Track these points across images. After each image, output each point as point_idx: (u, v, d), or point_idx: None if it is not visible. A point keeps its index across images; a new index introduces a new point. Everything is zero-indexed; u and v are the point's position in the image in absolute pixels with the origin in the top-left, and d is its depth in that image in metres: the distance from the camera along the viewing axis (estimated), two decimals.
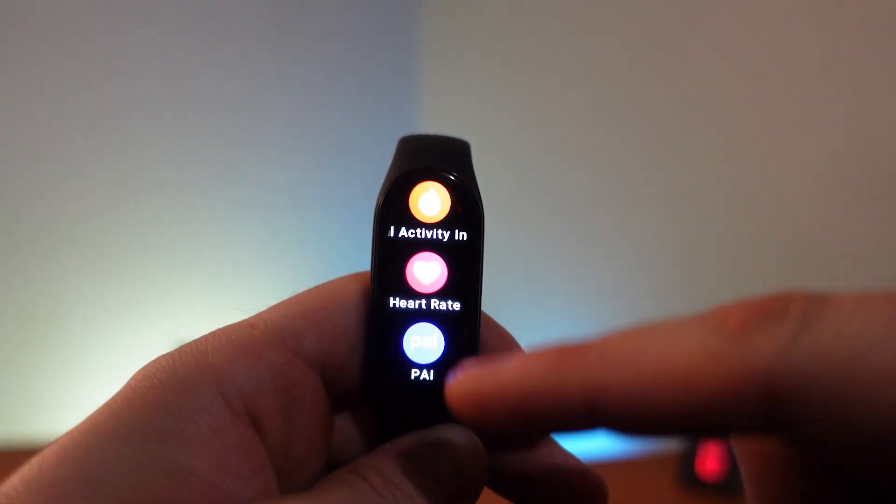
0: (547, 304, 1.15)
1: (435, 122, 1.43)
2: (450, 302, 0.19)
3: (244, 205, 1.30)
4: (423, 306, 0.19)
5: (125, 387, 0.17)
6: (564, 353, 0.14)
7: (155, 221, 1.22)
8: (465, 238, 0.19)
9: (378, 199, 0.19)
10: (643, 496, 0.76)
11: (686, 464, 0.79)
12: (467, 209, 0.19)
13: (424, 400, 0.19)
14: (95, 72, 1.19)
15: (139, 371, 0.18)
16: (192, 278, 1.24)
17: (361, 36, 1.40)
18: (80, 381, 1.14)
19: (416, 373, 0.19)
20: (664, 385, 0.13)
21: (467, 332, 0.19)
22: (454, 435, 0.19)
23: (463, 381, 0.15)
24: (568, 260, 1.14)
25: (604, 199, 1.10)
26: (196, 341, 0.18)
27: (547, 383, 0.14)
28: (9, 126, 1.15)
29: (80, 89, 1.18)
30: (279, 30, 1.32)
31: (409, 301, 0.19)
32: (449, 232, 0.19)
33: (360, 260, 1.42)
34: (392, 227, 0.19)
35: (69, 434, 0.16)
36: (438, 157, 0.20)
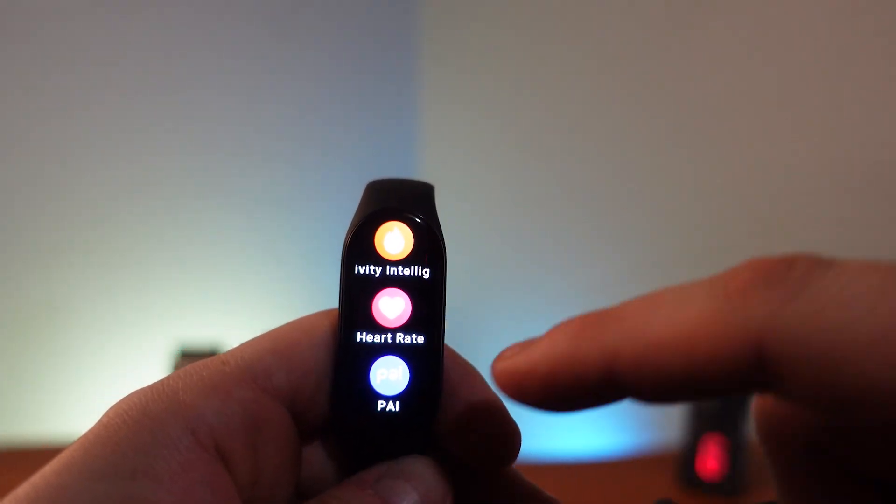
0: (544, 310, 1.15)
1: (434, 129, 1.43)
2: (414, 336, 0.20)
3: (246, 209, 1.30)
4: (389, 340, 0.20)
5: (97, 424, 0.18)
6: (585, 323, 0.15)
7: (157, 224, 1.23)
8: (428, 275, 0.20)
9: (346, 239, 0.20)
10: (643, 496, 0.76)
11: (686, 464, 0.79)
12: (430, 248, 0.20)
13: (391, 431, 0.20)
14: (97, 73, 1.19)
15: (111, 408, 0.18)
16: (195, 281, 1.24)
17: (361, 43, 1.40)
18: (80, 382, 1.15)
19: (382, 404, 0.20)
20: (668, 349, 0.14)
21: (432, 365, 0.20)
22: (421, 467, 0.20)
23: (502, 362, 0.16)
24: (566, 266, 1.14)
25: (602, 205, 1.10)
26: (168, 378, 0.19)
27: (569, 355, 0.15)
28: (10, 127, 1.15)
29: (80, 91, 1.18)
30: (279, 37, 1.32)
31: (375, 335, 0.20)
32: (412, 269, 0.20)
33: None
34: (357, 265, 0.20)
35: (41, 472, 0.16)
36: (403, 199, 0.21)
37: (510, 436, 0.20)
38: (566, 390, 0.15)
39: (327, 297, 1.20)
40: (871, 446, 0.16)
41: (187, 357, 0.89)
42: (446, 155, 1.40)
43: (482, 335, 1.21)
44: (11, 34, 1.14)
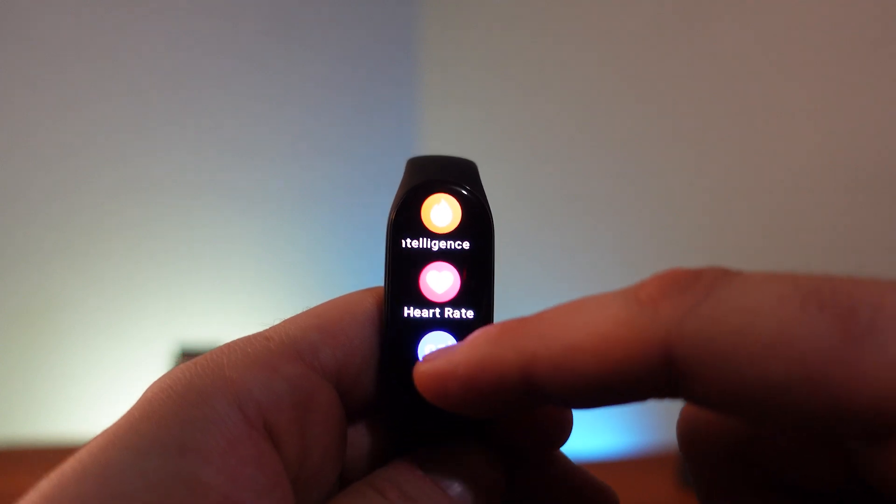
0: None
1: (434, 131, 1.43)
2: (463, 310, 0.20)
3: (245, 209, 1.30)
4: (437, 315, 0.20)
5: (142, 399, 0.17)
6: (505, 328, 0.15)
7: (157, 224, 1.23)
8: (476, 247, 0.20)
9: (391, 213, 0.20)
10: (643, 496, 0.76)
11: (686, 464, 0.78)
12: (478, 221, 0.20)
13: (441, 412, 0.19)
14: (99, 74, 1.19)
15: (155, 383, 0.18)
16: (194, 281, 1.24)
17: (361, 44, 1.40)
18: (80, 381, 1.15)
19: None
20: (582, 353, 0.14)
21: None
22: (471, 450, 0.19)
23: (424, 364, 0.16)
24: (564, 267, 1.14)
25: (603, 204, 1.10)
26: (212, 353, 0.18)
27: (488, 357, 0.15)
28: (11, 127, 1.15)
29: (81, 91, 1.18)
30: (278, 38, 1.32)
31: (423, 310, 0.19)
32: (460, 242, 0.20)
33: (360, 265, 1.43)
34: (404, 239, 0.20)
35: (87, 448, 0.16)
36: (449, 173, 0.20)
37: (561, 417, 0.20)
38: (486, 393, 0.15)
39: (328, 295, 1.20)
40: (786, 453, 0.16)
41: (187, 357, 0.89)
42: (445, 153, 1.40)
43: None
44: (11, 34, 1.14)
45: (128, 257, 1.20)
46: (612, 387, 0.14)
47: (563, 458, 0.21)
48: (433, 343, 0.19)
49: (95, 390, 1.12)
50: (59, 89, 1.17)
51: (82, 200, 1.18)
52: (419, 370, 0.16)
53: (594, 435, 1.02)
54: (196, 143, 1.27)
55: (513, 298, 1.21)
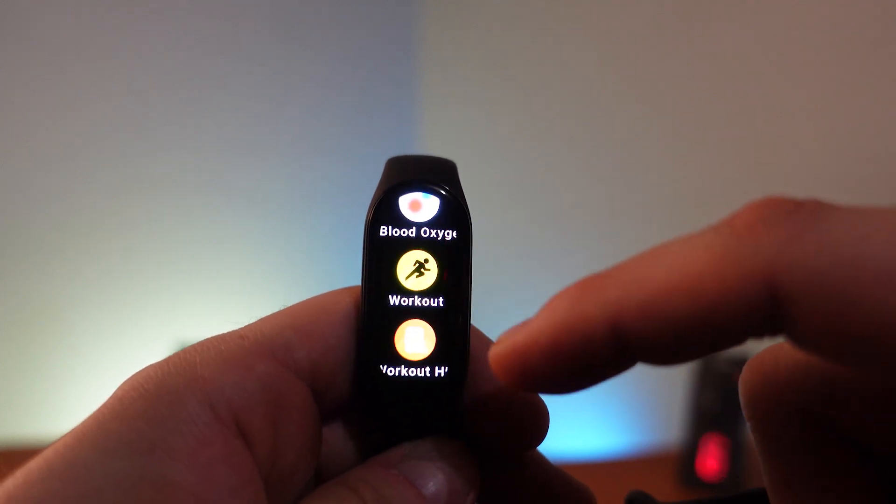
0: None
1: (434, 131, 1.43)
2: (439, 300, 0.19)
3: (245, 209, 1.30)
4: (413, 304, 0.19)
5: (112, 398, 0.17)
6: (584, 285, 0.14)
7: (157, 223, 1.23)
8: (454, 237, 0.20)
9: (368, 212, 0.20)
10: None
11: (686, 463, 0.79)
12: (455, 216, 0.20)
13: (416, 406, 0.19)
14: (99, 74, 1.19)
15: (126, 381, 0.17)
16: (194, 280, 1.24)
17: (361, 43, 1.40)
18: (80, 381, 1.15)
19: (407, 374, 0.19)
20: (675, 294, 0.13)
21: (457, 332, 0.20)
22: (446, 448, 0.19)
23: (500, 344, 0.15)
24: (564, 268, 1.14)
25: (601, 207, 1.10)
26: (184, 351, 0.18)
27: (571, 317, 0.14)
28: (11, 127, 1.15)
29: (84, 91, 1.18)
30: (278, 38, 1.32)
31: (402, 299, 0.19)
32: (438, 232, 0.20)
33: (360, 265, 1.42)
34: (382, 228, 0.20)
35: (54, 447, 0.16)
36: (428, 173, 0.20)
37: (538, 416, 0.19)
38: (572, 360, 0.14)
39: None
40: (864, 412, 0.15)
41: None
42: (446, 154, 1.40)
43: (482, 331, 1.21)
44: (11, 34, 1.14)
45: (127, 256, 1.20)
46: (709, 329, 0.13)
47: (541, 457, 0.21)
48: (411, 332, 0.19)
49: (95, 390, 1.12)
50: (59, 89, 1.17)
51: (82, 200, 1.18)
52: (495, 352, 0.15)
53: (594, 435, 1.02)
54: (196, 142, 1.27)
55: (514, 299, 1.21)
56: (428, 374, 0.19)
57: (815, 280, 0.12)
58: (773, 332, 0.13)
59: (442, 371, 0.19)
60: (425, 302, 0.19)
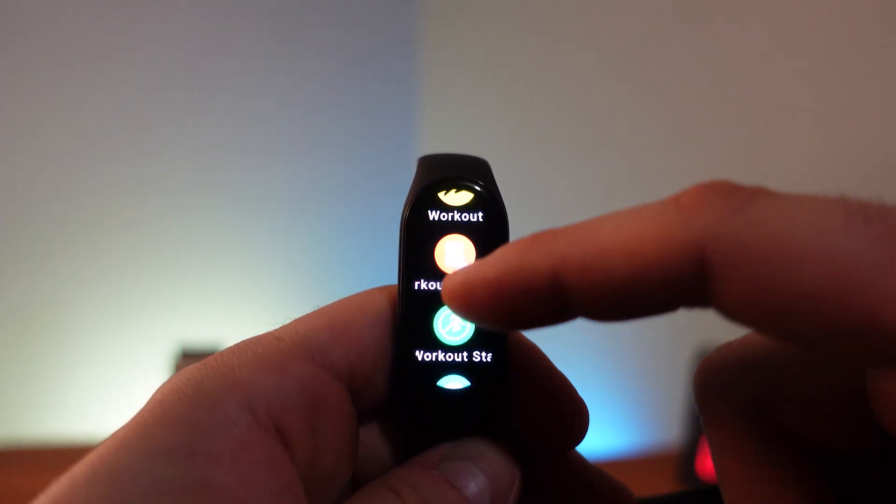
0: None
1: (435, 130, 1.43)
2: None
3: (246, 209, 1.30)
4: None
5: (151, 401, 0.17)
6: (537, 237, 0.15)
7: (158, 224, 1.23)
8: (492, 226, 0.20)
9: (404, 210, 0.19)
10: (643, 496, 0.76)
11: (686, 463, 0.79)
12: (493, 218, 0.20)
13: (455, 408, 0.19)
14: (100, 74, 1.19)
15: (165, 384, 0.17)
16: (195, 280, 1.24)
17: (361, 41, 1.40)
18: (80, 382, 1.15)
19: (446, 379, 0.19)
20: (614, 253, 0.14)
21: (499, 336, 0.19)
22: (487, 448, 0.19)
23: (453, 275, 0.16)
24: None
25: (604, 200, 1.10)
26: (221, 354, 0.18)
27: (518, 261, 0.15)
28: (12, 126, 1.15)
29: (84, 91, 1.18)
30: (278, 35, 1.32)
31: (436, 284, 0.19)
32: (475, 216, 0.20)
33: (361, 265, 1.42)
34: (427, 213, 0.19)
35: (97, 452, 0.16)
36: (463, 170, 0.20)
37: (578, 415, 0.20)
38: (513, 298, 0.15)
39: (330, 296, 1.20)
40: (806, 406, 0.16)
41: (188, 357, 0.89)
42: (447, 152, 1.40)
43: None
44: (11, 34, 1.14)
45: (128, 257, 1.20)
46: (642, 289, 0.14)
47: (579, 456, 0.21)
48: (450, 321, 0.19)
49: (96, 390, 1.12)
50: (59, 89, 1.17)
51: (83, 200, 1.18)
52: (448, 280, 0.16)
53: (594, 435, 1.02)
54: (197, 143, 1.27)
55: None
56: (467, 383, 0.19)
57: (740, 252, 0.13)
58: (702, 301, 0.14)
59: (482, 378, 0.19)
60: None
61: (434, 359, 0.19)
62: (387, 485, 0.18)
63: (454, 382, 0.19)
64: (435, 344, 0.19)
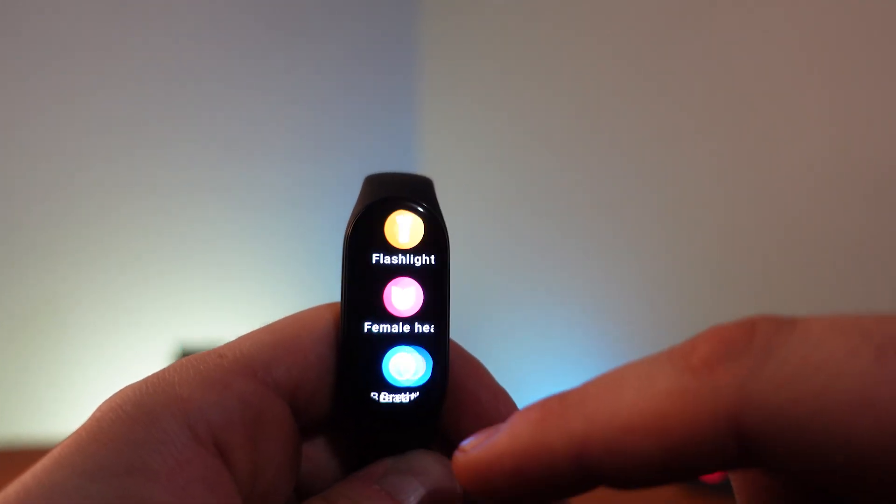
0: (544, 305, 1.15)
1: (433, 123, 1.43)
2: (426, 325, 0.20)
3: (246, 209, 1.30)
4: (402, 330, 0.19)
5: (90, 419, 0.17)
6: (547, 410, 0.14)
7: (158, 223, 1.23)
8: (435, 262, 0.20)
9: (347, 228, 0.20)
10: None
11: None
12: (435, 236, 0.20)
13: (397, 424, 0.19)
14: (100, 73, 1.19)
15: (105, 402, 0.17)
16: (194, 280, 1.24)
17: (360, 38, 1.40)
18: (80, 381, 1.15)
19: (388, 396, 0.19)
20: (639, 433, 0.13)
21: (441, 355, 0.20)
22: (429, 462, 0.19)
23: (464, 455, 0.15)
24: (567, 269, 1.14)
25: (602, 199, 1.10)
26: (163, 371, 0.18)
27: (535, 445, 0.14)
28: (12, 126, 1.15)
29: (82, 89, 1.18)
30: (277, 32, 1.32)
31: (386, 325, 0.19)
32: (421, 257, 0.20)
33: None
34: (368, 254, 0.20)
35: (32, 471, 0.16)
36: (404, 190, 0.20)
37: None
38: (535, 483, 0.14)
39: (328, 295, 1.20)
40: (837, 484, 0.15)
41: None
42: (445, 150, 1.40)
43: (480, 330, 1.21)
44: (12, 33, 1.14)
45: (128, 256, 1.20)
46: (676, 465, 0.13)
47: None
48: (396, 357, 0.19)
49: (96, 390, 1.12)
50: (60, 87, 1.17)
51: (83, 200, 1.18)
52: (458, 461, 0.15)
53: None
54: (198, 142, 1.27)
55: (513, 291, 1.21)
56: (408, 400, 0.19)
57: (776, 419, 0.12)
58: (743, 464, 0.13)
59: (423, 395, 0.19)
60: (414, 327, 0.20)
61: (381, 397, 0.19)
62: (327, 499, 0.18)
63: (397, 398, 0.19)
64: (378, 386, 0.19)
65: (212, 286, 1.25)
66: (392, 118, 1.45)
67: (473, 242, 1.25)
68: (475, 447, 0.15)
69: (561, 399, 0.14)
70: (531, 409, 0.15)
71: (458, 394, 0.20)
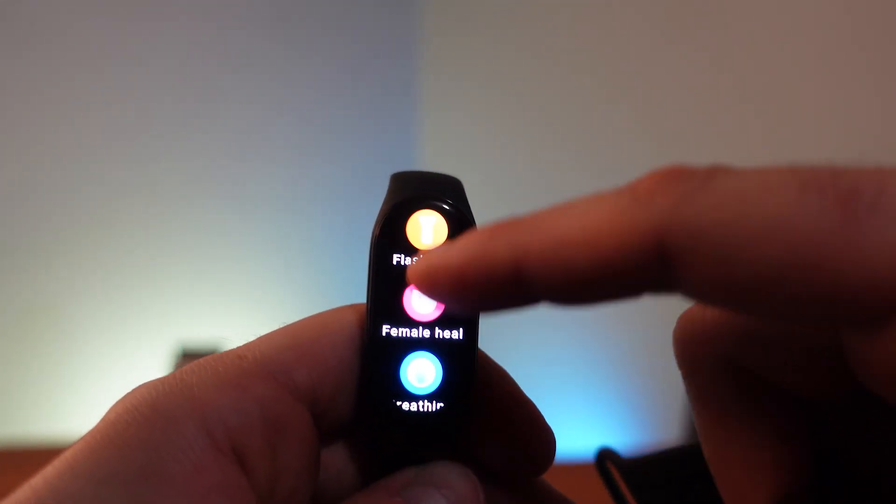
0: (545, 310, 1.15)
1: (433, 135, 1.43)
2: (449, 331, 0.19)
3: (246, 211, 1.30)
4: (422, 335, 0.19)
5: (103, 421, 0.16)
6: (499, 225, 0.15)
7: (158, 225, 1.23)
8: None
9: (374, 229, 0.19)
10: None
11: None
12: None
13: (420, 434, 0.19)
14: (99, 77, 1.19)
15: (119, 403, 0.17)
16: (195, 281, 1.24)
17: (362, 51, 1.40)
18: (81, 382, 1.15)
19: (411, 405, 0.19)
20: (573, 245, 0.14)
21: (466, 363, 0.19)
22: (452, 474, 0.19)
23: (419, 261, 0.16)
24: None
25: None
26: (181, 372, 0.17)
27: (480, 251, 0.15)
28: (12, 126, 1.15)
29: (82, 93, 1.18)
30: (282, 45, 1.32)
31: (407, 329, 0.19)
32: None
33: (358, 268, 1.42)
34: (389, 255, 0.19)
35: (43, 474, 0.15)
36: (434, 189, 0.20)
37: (544, 441, 0.19)
38: (477, 285, 0.15)
39: (327, 297, 1.20)
40: (783, 358, 0.16)
41: (188, 357, 0.89)
42: (445, 162, 1.40)
43: (483, 336, 1.21)
44: (12, 40, 1.14)
45: (129, 258, 1.20)
46: (603, 280, 0.14)
47: (545, 484, 0.21)
48: (417, 364, 0.19)
49: (96, 390, 1.12)
50: (61, 92, 1.17)
51: (83, 202, 1.18)
52: (413, 267, 0.16)
53: (594, 435, 1.02)
54: (198, 145, 1.27)
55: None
56: (432, 409, 0.19)
57: (697, 237, 0.13)
58: (663, 287, 0.14)
59: (448, 405, 0.19)
60: (434, 333, 0.19)
61: (404, 405, 0.19)
62: None
63: (420, 406, 0.19)
64: (400, 394, 0.19)
65: (212, 287, 1.25)
66: (392, 130, 1.45)
67: None
68: (430, 255, 0.16)
69: (515, 218, 0.15)
70: (485, 226, 0.15)
71: (484, 404, 0.19)
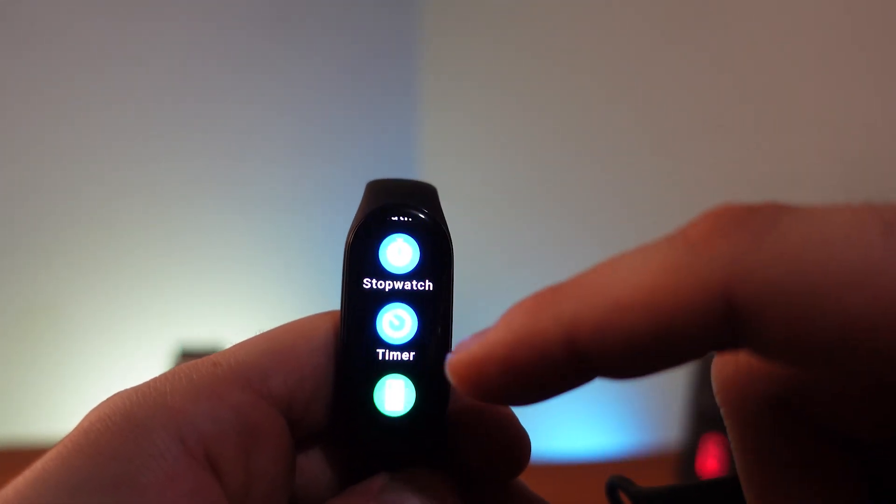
0: None
1: (433, 137, 1.43)
2: (421, 346, 0.19)
3: (246, 211, 1.30)
4: (394, 357, 0.19)
5: (76, 430, 0.16)
6: (540, 297, 0.14)
7: (157, 225, 1.23)
8: (433, 287, 0.19)
9: (348, 236, 0.19)
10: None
11: (686, 463, 0.79)
12: (438, 252, 0.19)
13: (396, 438, 0.19)
14: (99, 77, 1.19)
15: (92, 411, 0.17)
16: (195, 281, 1.24)
17: (362, 52, 1.40)
18: (80, 382, 1.15)
19: (388, 409, 0.19)
20: (630, 309, 0.12)
21: (441, 370, 0.19)
22: (427, 478, 0.19)
23: (457, 354, 0.15)
24: (565, 272, 1.14)
25: (600, 211, 1.10)
26: (154, 380, 0.17)
27: (527, 331, 0.13)
28: (12, 126, 1.15)
29: (82, 93, 1.18)
30: (281, 46, 1.32)
31: (385, 352, 0.19)
32: (420, 282, 0.19)
33: None
34: (364, 278, 0.19)
35: (14, 485, 0.15)
36: (406, 196, 0.20)
37: (519, 445, 0.19)
38: (529, 373, 0.14)
39: (327, 297, 1.20)
40: (840, 401, 0.15)
41: (188, 357, 0.89)
42: (445, 162, 1.40)
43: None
44: (12, 40, 1.14)
45: (129, 258, 1.20)
46: (666, 344, 0.12)
47: (522, 486, 0.20)
48: (390, 385, 0.19)
49: (96, 390, 1.12)
50: (61, 92, 1.17)
51: (83, 202, 1.18)
52: (452, 362, 0.15)
53: (593, 435, 1.02)
54: (198, 145, 1.27)
55: (511, 303, 1.21)
56: (408, 414, 0.19)
57: (772, 290, 0.11)
58: (734, 344, 0.12)
59: (423, 410, 0.19)
60: (404, 356, 0.19)
61: (379, 415, 0.19)
62: None
63: (395, 406, 0.19)
64: (377, 410, 0.19)
65: (212, 288, 1.25)
66: (392, 131, 1.45)
67: (472, 256, 1.25)
68: (468, 344, 0.15)
69: (555, 286, 0.14)
70: (525, 300, 0.14)
71: (459, 409, 0.19)
